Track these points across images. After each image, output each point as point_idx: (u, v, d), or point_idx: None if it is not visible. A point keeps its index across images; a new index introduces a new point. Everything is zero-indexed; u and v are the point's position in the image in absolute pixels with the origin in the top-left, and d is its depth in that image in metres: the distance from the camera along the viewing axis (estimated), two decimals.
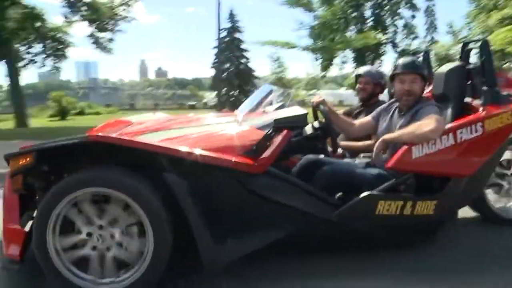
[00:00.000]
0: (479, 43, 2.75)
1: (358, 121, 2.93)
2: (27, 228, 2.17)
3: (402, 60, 2.64)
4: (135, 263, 2.05)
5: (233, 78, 29.56)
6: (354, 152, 3.03)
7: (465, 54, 2.93)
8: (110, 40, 17.82)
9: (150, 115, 3.59)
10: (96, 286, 2.05)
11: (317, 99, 2.70)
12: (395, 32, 24.38)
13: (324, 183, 2.43)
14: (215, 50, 29.07)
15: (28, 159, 2.05)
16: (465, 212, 3.06)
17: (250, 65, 30.42)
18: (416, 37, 24.97)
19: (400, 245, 2.59)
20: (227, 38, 29.20)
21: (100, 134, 2.02)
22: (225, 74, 29.20)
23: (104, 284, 2.05)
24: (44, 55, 16.92)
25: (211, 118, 3.08)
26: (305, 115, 2.23)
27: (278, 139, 2.32)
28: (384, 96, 3.51)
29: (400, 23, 24.44)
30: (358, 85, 3.48)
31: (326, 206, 2.35)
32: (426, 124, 2.33)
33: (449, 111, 2.63)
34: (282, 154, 2.51)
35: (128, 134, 2.64)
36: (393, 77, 2.64)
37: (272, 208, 2.27)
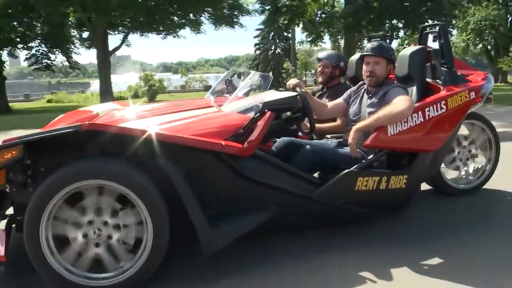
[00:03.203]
0: (437, 28, 2.98)
1: (330, 103, 3.06)
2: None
3: (370, 44, 2.80)
4: (141, 235, 2.02)
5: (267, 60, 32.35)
6: (320, 134, 3.17)
7: (423, 37, 3.15)
8: None
9: (111, 104, 3.46)
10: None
11: (293, 82, 2.79)
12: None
13: (304, 163, 2.54)
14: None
15: (14, 152, 1.94)
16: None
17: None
18: None
19: (374, 218, 2.79)
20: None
21: (93, 122, 1.95)
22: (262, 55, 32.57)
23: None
24: None
25: (190, 105, 3.04)
26: (296, 96, 2.28)
27: (261, 122, 2.37)
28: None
29: None
30: (318, 69, 3.64)
31: (308, 186, 2.45)
32: (400, 103, 2.50)
33: (414, 91, 2.83)
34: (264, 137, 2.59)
35: (119, 121, 2.51)
36: (362, 58, 2.81)
37: (259, 190, 2.32)
